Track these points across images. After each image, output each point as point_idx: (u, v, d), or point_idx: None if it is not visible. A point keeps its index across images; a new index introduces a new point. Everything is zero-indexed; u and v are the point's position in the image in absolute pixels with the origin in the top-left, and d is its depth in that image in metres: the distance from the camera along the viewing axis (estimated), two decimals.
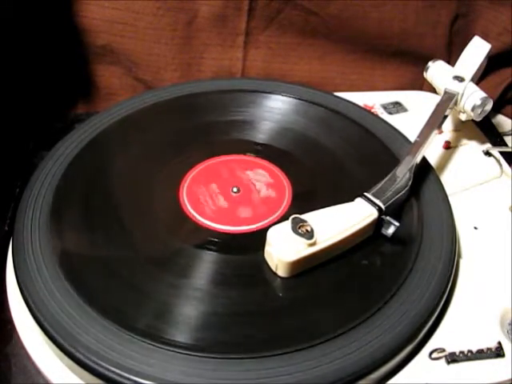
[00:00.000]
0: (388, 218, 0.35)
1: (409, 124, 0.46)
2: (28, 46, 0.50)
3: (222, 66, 0.56)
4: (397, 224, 0.34)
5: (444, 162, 0.46)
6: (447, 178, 0.43)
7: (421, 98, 0.54)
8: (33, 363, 0.32)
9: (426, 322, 0.32)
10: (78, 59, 0.54)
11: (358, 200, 0.36)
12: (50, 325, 0.31)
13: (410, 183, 0.38)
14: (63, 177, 0.40)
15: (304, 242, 0.33)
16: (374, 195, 0.36)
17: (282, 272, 0.34)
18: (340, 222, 0.34)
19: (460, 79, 0.44)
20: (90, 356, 0.29)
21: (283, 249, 0.33)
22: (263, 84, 0.50)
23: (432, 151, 0.46)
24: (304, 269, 0.34)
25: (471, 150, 0.48)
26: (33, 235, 0.36)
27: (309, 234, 0.33)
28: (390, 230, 0.35)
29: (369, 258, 0.35)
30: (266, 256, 0.35)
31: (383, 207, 0.35)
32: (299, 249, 0.33)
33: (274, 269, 0.34)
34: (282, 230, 0.33)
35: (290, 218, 0.34)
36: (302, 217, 0.34)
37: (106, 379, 0.29)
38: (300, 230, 0.33)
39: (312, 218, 0.34)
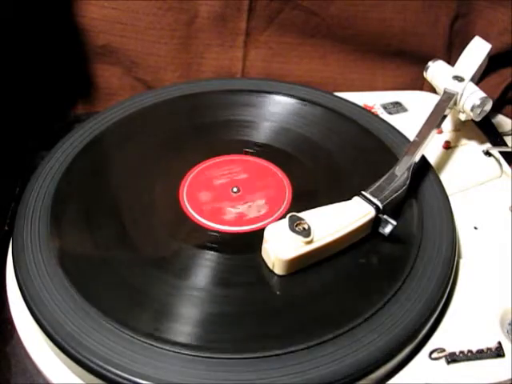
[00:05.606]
0: (385, 216, 0.35)
1: (409, 124, 0.46)
2: (28, 46, 0.51)
3: (222, 65, 0.56)
4: (394, 223, 0.34)
5: (444, 161, 0.46)
6: (447, 178, 0.43)
7: (421, 98, 0.54)
8: (33, 363, 0.32)
9: (425, 322, 0.32)
10: (77, 59, 0.54)
11: (356, 198, 0.36)
12: (49, 325, 0.31)
13: (408, 182, 0.37)
14: (63, 177, 0.40)
15: (301, 239, 0.33)
16: (372, 194, 0.36)
17: (278, 270, 0.34)
18: (337, 220, 0.34)
19: (460, 79, 0.44)
20: (90, 356, 0.29)
21: (280, 246, 0.33)
22: (263, 84, 0.50)
23: (432, 151, 0.46)
24: (301, 267, 0.34)
25: (471, 150, 0.48)
26: (33, 235, 0.36)
27: (306, 232, 0.33)
28: (388, 229, 0.35)
29: (368, 257, 0.35)
30: (263, 254, 0.34)
31: (381, 206, 0.35)
32: (296, 247, 0.33)
33: (270, 267, 0.34)
34: (280, 227, 0.33)
35: (288, 216, 0.34)
36: (300, 215, 0.34)
37: (106, 379, 0.29)
38: (297, 228, 0.33)
39: (309, 216, 0.34)
